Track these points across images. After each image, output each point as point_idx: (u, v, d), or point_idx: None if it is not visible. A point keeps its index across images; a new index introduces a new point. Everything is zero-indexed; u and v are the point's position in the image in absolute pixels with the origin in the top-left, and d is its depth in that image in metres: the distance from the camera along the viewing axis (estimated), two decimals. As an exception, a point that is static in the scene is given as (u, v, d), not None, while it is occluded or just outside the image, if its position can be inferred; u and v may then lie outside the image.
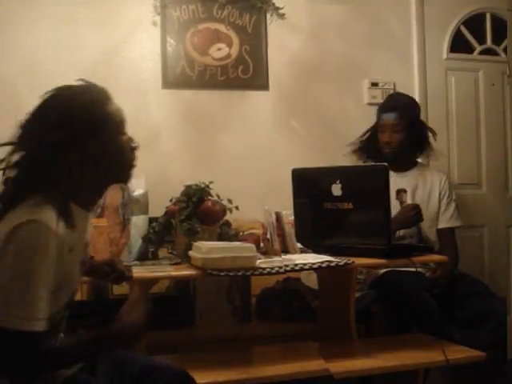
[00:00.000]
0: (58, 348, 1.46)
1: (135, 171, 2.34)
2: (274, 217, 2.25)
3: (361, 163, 2.91)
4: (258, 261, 2.01)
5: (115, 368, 1.64)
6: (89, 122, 1.48)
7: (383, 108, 2.89)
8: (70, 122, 1.45)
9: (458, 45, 3.57)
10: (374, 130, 2.89)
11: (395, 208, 2.62)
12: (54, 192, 1.41)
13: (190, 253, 2.03)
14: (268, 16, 3.24)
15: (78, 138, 1.45)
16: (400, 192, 2.81)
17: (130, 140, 1.61)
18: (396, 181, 2.75)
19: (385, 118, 2.82)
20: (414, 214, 2.60)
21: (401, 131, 2.78)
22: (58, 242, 1.37)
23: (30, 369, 1.35)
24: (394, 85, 3.44)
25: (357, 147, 2.96)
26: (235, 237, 2.24)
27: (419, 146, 2.89)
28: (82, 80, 1.58)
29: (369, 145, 2.91)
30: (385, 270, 2.63)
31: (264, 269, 1.98)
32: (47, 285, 1.36)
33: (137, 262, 2.16)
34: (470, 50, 3.61)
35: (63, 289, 1.45)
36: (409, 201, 2.79)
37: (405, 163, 2.87)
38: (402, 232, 2.69)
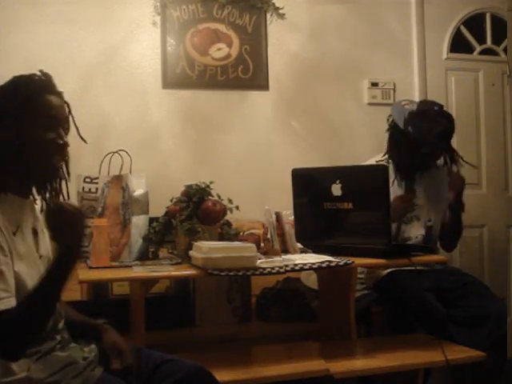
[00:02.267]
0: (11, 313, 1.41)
1: (135, 171, 2.38)
2: (274, 217, 2.25)
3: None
4: (259, 261, 2.01)
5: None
6: (5, 110, 1.50)
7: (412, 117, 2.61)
8: None
9: (458, 45, 3.57)
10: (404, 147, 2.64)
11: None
12: None
13: (191, 253, 2.03)
14: (268, 16, 3.24)
15: None
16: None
17: (57, 137, 1.55)
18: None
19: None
20: (399, 204, 2.52)
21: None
22: None
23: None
24: (394, 85, 3.44)
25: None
26: (235, 237, 2.24)
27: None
28: (40, 71, 1.61)
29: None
30: (389, 271, 2.61)
31: (264, 269, 1.98)
32: (6, 263, 1.39)
33: (137, 262, 2.16)
34: (469, 50, 3.61)
35: (25, 272, 1.46)
36: (421, 201, 2.65)
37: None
38: (406, 234, 2.63)
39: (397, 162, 2.67)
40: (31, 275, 1.47)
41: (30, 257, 1.51)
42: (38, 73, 1.60)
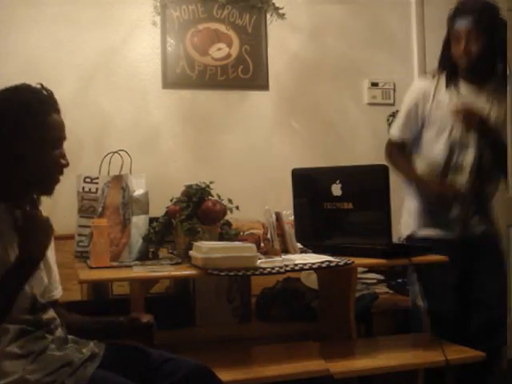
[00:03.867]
0: None
1: (135, 171, 2.38)
2: (274, 217, 2.25)
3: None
4: (259, 261, 2.01)
5: (130, 362, 1.65)
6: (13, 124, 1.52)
7: (456, 13, 2.42)
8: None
9: (458, 45, 3.57)
10: (446, 41, 2.50)
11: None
12: None
13: (191, 253, 2.03)
14: (268, 16, 3.24)
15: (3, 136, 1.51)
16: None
17: (61, 156, 1.60)
18: (467, 96, 2.42)
19: (458, 25, 2.39)
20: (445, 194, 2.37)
21: (479, 38, 2.35)
22: None
23: None
24: (394, 85, 3.44)
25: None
26: (235, 237, 2.24)
27: (500, 53, 2.36)
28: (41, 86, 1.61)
29: (442, 58, 2.53)
30: None
31: (264, 269, 1.99)
32: None
33: (137, 262, 2.16)
34: (469, 50, 3.61)
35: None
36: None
37: (484, 74, 2.43)
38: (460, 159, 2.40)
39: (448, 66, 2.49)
40: None
41: (5, 264, 1.51)
42: (39, 86, 1.61)
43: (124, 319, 1.74)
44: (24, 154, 1.53)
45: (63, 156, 1.60)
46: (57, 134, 1.59)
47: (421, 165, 2.48)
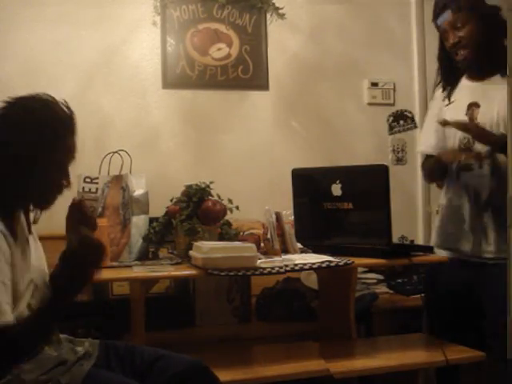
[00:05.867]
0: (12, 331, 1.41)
1: (135, 171, 2.38)
2: (274, 217, 2.25)
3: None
4: (259, 261, 2.02)
5: (124, 360, 1.65)
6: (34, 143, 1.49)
7: (435, 13, 2.35)
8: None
9: (458, 45, 3.57)
10: (441, 48, 2.42)
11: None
12: None
13: (191, 252, 2.03)
14: (268, 16, 3.24)
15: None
16: (471, 106, 2.29)
17: (64, 177, 1.58)
18: (471, 91, 2.31)
19: (440, 22, 2.33)
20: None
21: (465, 25, 2.24)
22: (2, 236, 1.42)
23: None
24: (394, 85, 3.44)
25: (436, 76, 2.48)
26: (236, 237, 2.24)
27: (501, 43, 2.20)
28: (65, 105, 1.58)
29: (442, 65, 2.43)
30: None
31: (264, 269, 1.99)
32: (8, 278, 1.40)
33: (137, 262, 2.16)
34: (469, 50, 3.61)
35: (18, 283, 1.47)
36: (480, 119, 2.25)
37: (484, 68, 2.29)
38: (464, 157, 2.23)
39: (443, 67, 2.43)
40: (22, 285, 1.48)
41: (23, 266, 1.51)
42: (64, 103, 1.58)
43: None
44: (31, 168, 1.50)
45: (67, 177, 1.58)
46: (68, 158, 1.57)
47: None
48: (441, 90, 2.44)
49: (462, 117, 2.28)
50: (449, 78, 2.41)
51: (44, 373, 1.47)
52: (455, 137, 2.30)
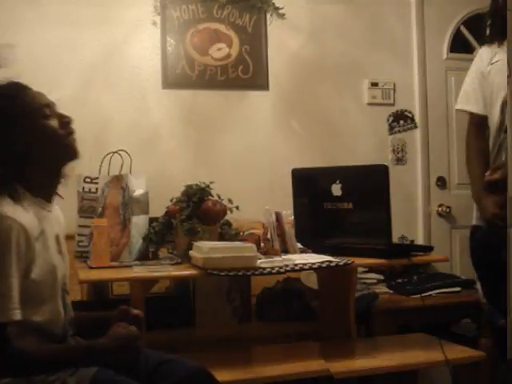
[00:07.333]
0: (32, 352, 1.45)
1: (135, 171, 2.38)
2: (274, 217, 2.25)
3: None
4: (259, 261, 2.02)
5: (128, 363, 1.65)
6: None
7: None
8: None
9: (458, 45, 3.57)
10: (494, 2, 2.25)
11: None
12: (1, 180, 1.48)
13: (191, 253, 2.03)
14: (268, 16, 3.24)
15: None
16: None
17: (60, 117, 1.59)
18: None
19: None
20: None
21: None
22: (20, 229, 1.42)
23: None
24: (394, 85, 3.44)
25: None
26: (236, 237, 2.24)
27: None
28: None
29: (492, 21, 2.29)
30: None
31: (264, 269, 1.99)
32: (18, 273, 1.41)
33: (137, 262, 2.16)
34: (469, 50, 3.60)
35: (44, 281, 1.49)
36: None
37: None
38: None
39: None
40: (47, 283, 1.50)
41: (49, 264, 1.52)
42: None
43: (114, 312, 1.72)
44: (26, 137, 1.53)
45: (61, 117, 1.59)
46: (42, 102, 1.58)
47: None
48: (485, 46, 2.36)
49: (506, 77, 2.13)
50: (497, 36, 2.28)
51: (52, 373, 1.47)
52: (498, 95, 2.22)
